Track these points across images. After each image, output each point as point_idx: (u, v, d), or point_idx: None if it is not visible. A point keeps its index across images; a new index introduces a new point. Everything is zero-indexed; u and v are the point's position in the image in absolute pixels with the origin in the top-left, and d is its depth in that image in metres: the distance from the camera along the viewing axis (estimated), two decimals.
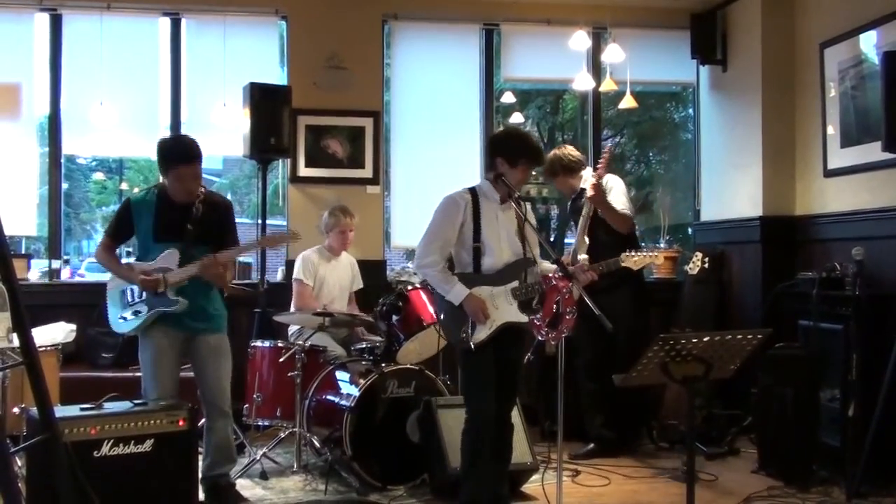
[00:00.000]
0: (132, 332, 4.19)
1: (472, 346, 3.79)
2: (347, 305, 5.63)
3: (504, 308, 3.86)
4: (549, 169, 5.51)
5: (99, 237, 21.57)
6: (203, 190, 4.25)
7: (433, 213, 3.95)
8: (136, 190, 18.29)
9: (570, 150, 5.53)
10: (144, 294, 4.15)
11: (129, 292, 4.22)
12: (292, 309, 5.47)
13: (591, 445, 5.36)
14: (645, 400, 5.43)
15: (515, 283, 3.88)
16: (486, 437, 3.86)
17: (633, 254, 4.71)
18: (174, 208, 4.17)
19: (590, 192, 5.16)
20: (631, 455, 5.33)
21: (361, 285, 5.76)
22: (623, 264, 4.70)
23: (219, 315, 4.31)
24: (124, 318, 4.20)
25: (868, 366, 4.50)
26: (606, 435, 5.36)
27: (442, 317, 3.98)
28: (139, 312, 4.15)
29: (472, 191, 3.96)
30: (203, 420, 4.26)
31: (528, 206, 4.03)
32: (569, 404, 4.09)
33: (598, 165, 5.25)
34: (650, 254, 4.73)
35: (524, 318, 3.89)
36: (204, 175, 4.26)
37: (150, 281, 4.08)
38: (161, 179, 4.28)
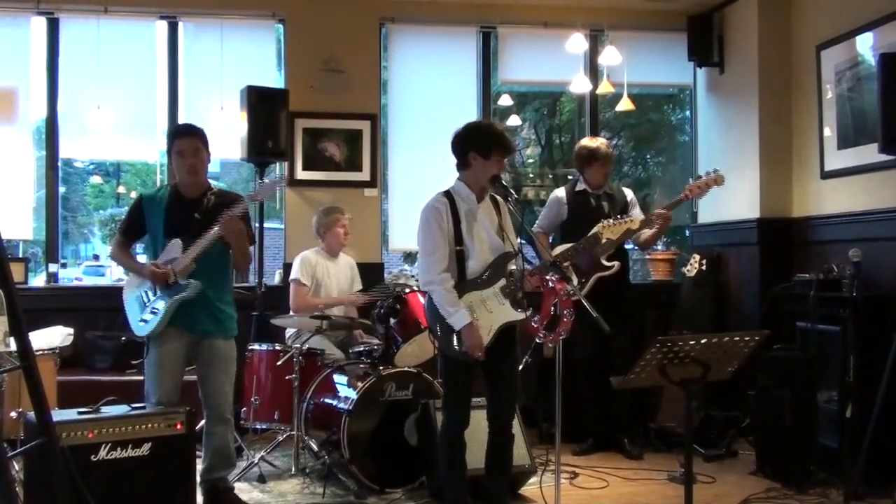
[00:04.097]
0: (154, 331, 4.11)
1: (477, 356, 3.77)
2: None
3: (497, 310, 3.83)
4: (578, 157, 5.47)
5: (96, 240, 21.64)
6: (214, 188, 4.26)
7: (420, 228, 3.90)
8: (133, 194, 18.37)
9: (585, 142, 5.52)
10: (158, 291, 4.14)
11: (144, 295, 4.19)
12: (290, 310, 5.46)
13: (590, 440, 5.42)
14: (642, 400, 5.45)
15: (503, 282, 3.85)
16: (462, 442, 3.89)
17: (609, 222, 4.73)
18: (185, 204, 4.17)
19: (658, 221, 5.02)
20: (628, 456, 5.34)
21: (361, 286, 5.75)
22: (604, 237, 4.72)
23: (229, 317, 4.28)
24: (145, 321, 4.15)
25: (866, 367, 4.50)
26: (603, 429, 5.42)
27: (434, 326, 3.93)
28: (156, 310, 4.11)
29: (448, 194, 3.92)
30: (202, 423, 4.26)
31: (501, 202, 3.95)
32: (567, 406, 4.08)
33: (688, 191, 5.04)
34: (626, 219, 4.76)
35: (520, 316, 3.86)
36: None
37: (159, 273, 4.08)
38: (169, 181, 4.30)
